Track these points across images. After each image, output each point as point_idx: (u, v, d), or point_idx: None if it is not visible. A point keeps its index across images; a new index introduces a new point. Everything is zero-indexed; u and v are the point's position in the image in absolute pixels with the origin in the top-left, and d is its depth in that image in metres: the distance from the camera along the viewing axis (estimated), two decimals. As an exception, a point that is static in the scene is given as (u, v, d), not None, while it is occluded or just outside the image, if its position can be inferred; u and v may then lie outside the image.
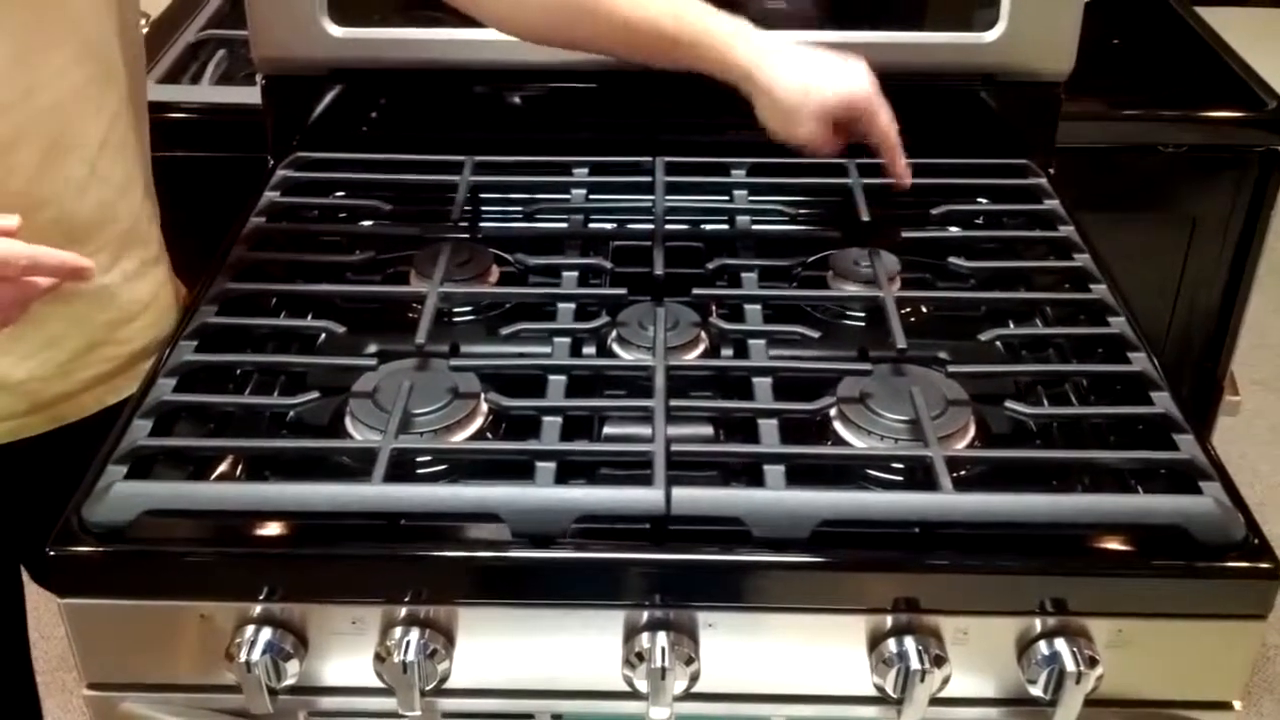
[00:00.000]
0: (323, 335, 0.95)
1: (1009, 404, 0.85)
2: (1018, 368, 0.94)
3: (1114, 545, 0.76)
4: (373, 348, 0.92)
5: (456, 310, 0.99)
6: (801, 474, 0.79)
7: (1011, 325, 0.97)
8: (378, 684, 0.77)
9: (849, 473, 0.83)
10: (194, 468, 0.82)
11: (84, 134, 0.86)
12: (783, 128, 0.92)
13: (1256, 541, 0.75)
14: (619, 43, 0.93)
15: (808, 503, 0.76)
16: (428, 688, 0.76)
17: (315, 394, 0.85)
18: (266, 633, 0.75)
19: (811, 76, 0.91)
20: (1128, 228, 1.25)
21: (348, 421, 0.85)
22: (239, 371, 0.91)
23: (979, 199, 1.10)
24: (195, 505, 0.76)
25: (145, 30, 1.40)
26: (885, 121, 0.93)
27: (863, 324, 0.98)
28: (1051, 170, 1.13)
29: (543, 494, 0.77)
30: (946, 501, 0.76)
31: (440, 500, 0.77)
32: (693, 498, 0.76)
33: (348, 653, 0.77)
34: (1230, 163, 1.32)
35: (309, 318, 0.97)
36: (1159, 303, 1.37)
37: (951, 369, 0.89)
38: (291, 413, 0.87)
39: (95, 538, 0.75)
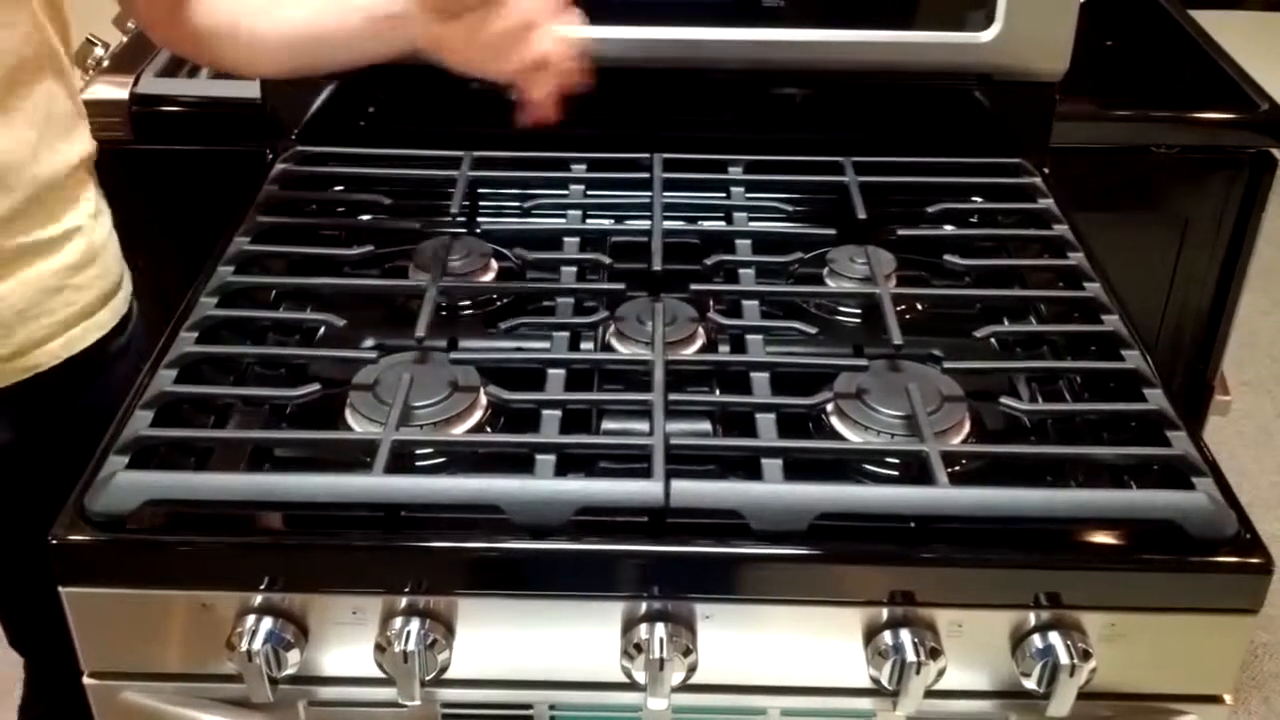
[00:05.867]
0: (322, 328, 0.95)
1: (1004, 400, 0.86)
2: (1013, 364, 0.95)
3: (1107, 540, 0.77)
4: (372, 341, 0.93)
5: (456, 304, 0.99)
6: (799, 468, 0.80)
7: (1006, 322, 0.98)
8: (378, 674, 0.77)
9: (846, 467, 0.84)
10: (195, 458, 0.83)
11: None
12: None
13: (1249, 536, 0.76)
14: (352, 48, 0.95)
15: (805, 496, 0.77)
16: (428, 678, 0.76)
17: (315, 386, 0.85)
18: (267, 622, 0.75)
19: None
20: (1120, 228, 1.26)
21: (348, 414, 0.85)
22: (239, 364, 0.91)
23: (974, 198, 1.11)
24: (197, 495, 0.77)
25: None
26: None
27: (859, 320, 0.99)
28: (1046, 170, 1.14)
29: (543, 486, 0.77)
30: (942, 496, 0.77)
31: (441, 491, 0.78)
32: (691, 490, 0.76)
33: (348, 642, 0.77)
34: (1222, 164, 1.33)
35: (308, 311, 0.97)
36: (1150, 303, 1.38)
37: (947, 365, 0.89)
38: (291, 405, 0.87)
39: (97, 527, 0.75)
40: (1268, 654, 1.78)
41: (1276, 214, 1.36)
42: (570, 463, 0.81)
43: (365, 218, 1.09)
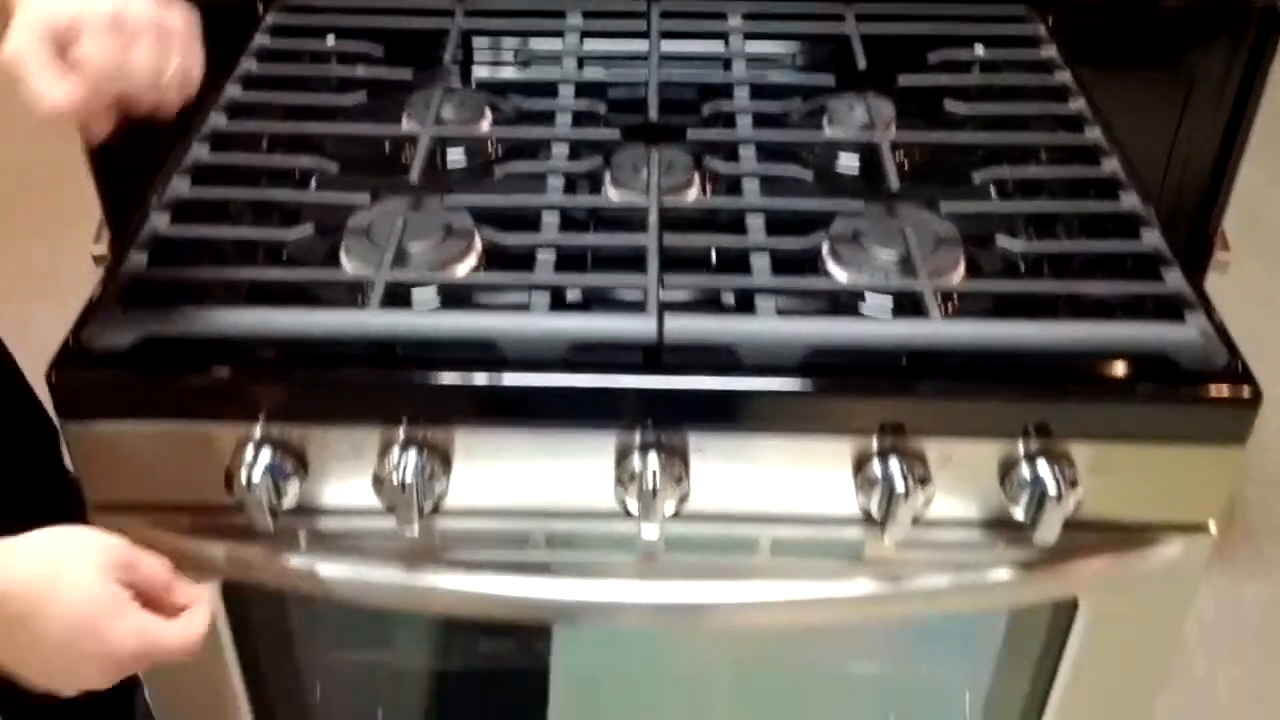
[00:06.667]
0: (315, 175, 0.94)
1: (1000, 239, 0.86)
2: (1010, 206, 0.94)
3: (1098, 371, 0.77)
4: (365, 187, 0.92)
5: (449, 153, 0.98)
6: (794, 312, 0.80)
7: (1005, 168, 0.97)
8: (377, 505, 0.78)
9: (840, 307, 0.84)
10: (191, 299, 0.83)
11: None
12: None
13: (1239, 368, 0.76)
14: None
15: (799, 331, 0.77)
16: (425, 507, 0.78)
17: (309, 226, 0.85)
18: (266, 454, 0.76)
19: None
20: (1124, 85, 1.24)
21: (342, 257, 0.85)
22: (232, 209, 0.91)
23: (976, 46, 1.09)
24: (195, 330, 0.77)
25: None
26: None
27: (857, 167, 0.98)
28: (1050, 20, 1.12)
29: (538, 321, 0.78)
30: (935, 329, 0.77)
31: (437, 328, 0.78)
32: (685, 326, 0.77)
33: (347, 475, 0.79)
34: (1229, 19, 1.30)
35: (301, 157, 0.96)
36: (1153, 162, 1.37)
37: (944, 208, 0.89)
38: (285, 250, 0.87)
39: (97, 362, 0.76)
40: (1259, 509, 1.86)
41: (1284, 74, 1.34)
42: (565, 305, 0.81)
43: (358, 68, 1.07)
